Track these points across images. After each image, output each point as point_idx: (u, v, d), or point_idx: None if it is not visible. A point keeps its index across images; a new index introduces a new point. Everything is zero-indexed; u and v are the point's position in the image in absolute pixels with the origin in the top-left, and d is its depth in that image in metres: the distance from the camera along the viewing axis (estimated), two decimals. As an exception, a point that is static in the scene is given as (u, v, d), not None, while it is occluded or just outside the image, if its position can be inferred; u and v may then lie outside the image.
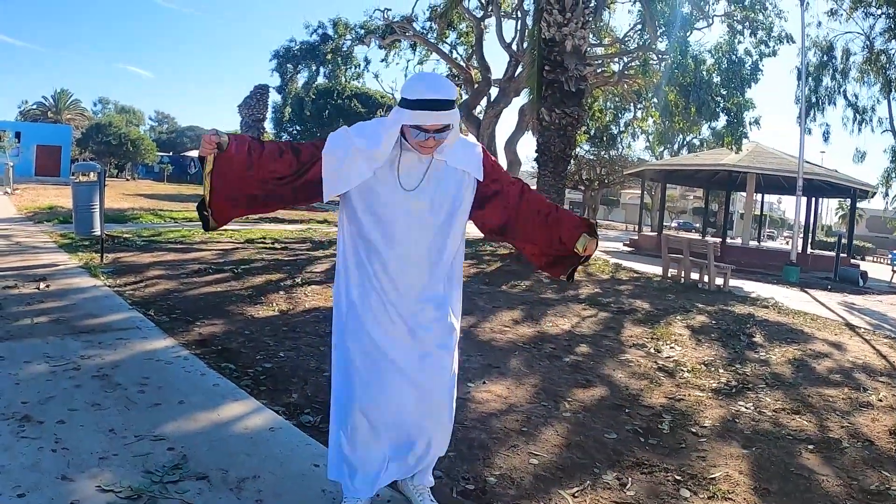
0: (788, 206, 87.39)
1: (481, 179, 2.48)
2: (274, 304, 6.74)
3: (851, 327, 9.30)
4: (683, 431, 4.00)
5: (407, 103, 2.20)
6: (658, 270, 13.80)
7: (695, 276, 12.18)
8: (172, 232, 13.96)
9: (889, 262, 42.22)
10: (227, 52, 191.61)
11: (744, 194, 32.93)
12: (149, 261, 9.41)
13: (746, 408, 4.64)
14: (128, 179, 53.65)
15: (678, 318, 8.12)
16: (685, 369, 5.54)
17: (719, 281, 11.73)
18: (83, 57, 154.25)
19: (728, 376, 5.48)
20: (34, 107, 68.71)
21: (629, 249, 23.04)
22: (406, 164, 2.37)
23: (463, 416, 3.79)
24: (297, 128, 44.04)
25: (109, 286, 7.14)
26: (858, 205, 27.83)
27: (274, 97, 29.23)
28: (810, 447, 3.96)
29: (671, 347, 6.36)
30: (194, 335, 5.26)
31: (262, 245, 12.59)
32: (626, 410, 4.29)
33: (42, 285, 6.77)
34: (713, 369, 5.66)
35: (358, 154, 2.31)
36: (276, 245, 12.74)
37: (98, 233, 9.51)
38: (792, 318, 9.29)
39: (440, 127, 2.22)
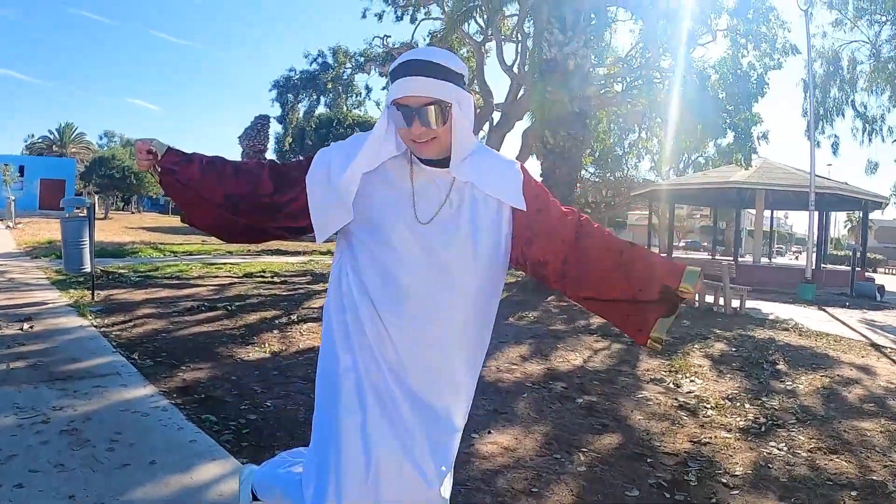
0: (796, 221, 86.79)
1: (523, 209, 1.79)
2: (266, 345, 6.36)
3: (877, 347, 8.85)
4: (713, 482, 3.58)
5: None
6: (670, 293, 13.29)
7: (709, 299, 11.73)
8: (170, 266, 13.67)
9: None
10: (231, 83, 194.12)
11: (751, 211, 32.57)
12: (141, 298, 9.10)
13: (779, 449, 4.22)
14: (133, 212, 53.76)
15: (696, 346, 7.69)
16: (708, 406, 5.11)
17: (735, 303, 11.28)
18: (90, 91, 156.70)
19: (755, 412, 5.05)
20: (40, 140, 69.43)
21: (639, 272, 22.54)
22: (421, 185, 1.76)
23: (465, 476, 3.38)
24: (300, 157, 43.80)
25: (96, 326, 6.87)
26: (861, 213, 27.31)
27: (275, 127, 29.11)
28: (853, 493, 3.54)
29: (691, 381, 5.93)
30: (177, 381, 4.89)
31: (260, 279, 12.25)
32: (648, 460, 3.86)
33: (26, 326, 6.56)
34: (738, 404, 5.23)
35: (325, 185, 1.77)
36: (275, 279, 12.40)
37: (88, 270, 9.18)
38: (814, 341, 8.86)
39: (425, 102, 1.61)
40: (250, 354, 5.94)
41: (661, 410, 4.90)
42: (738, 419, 4.83)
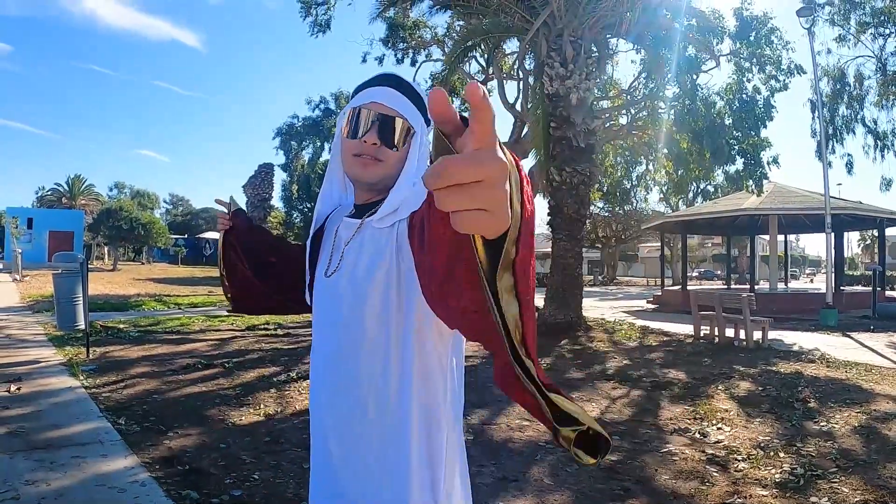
0: (808, 243, 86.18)
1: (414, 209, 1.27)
2: (261, 406, 5.98)
3: (911, 375, 8.36)
4: (754, 554, 3.15)
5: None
6: (687, 329, 12.87)
7: (729, 332, 11.26)
8: (172, 320, 13.40)
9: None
10: (236, 132, 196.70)
11: (763, 237, 32.08)
12: (137, 355, 8.81)
13: (822, 505, 3.79)
14: (143, 263, 53.83)
15: (720, 387, 7.23)
16: (739, 458, 4.68)
17: (757, 335, 10.80)
18: (99, 143, 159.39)
19: (791, 461, 4.61)
20: (49, 192, 70.33)
21: (653, 307, 22.07)
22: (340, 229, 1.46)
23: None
24: (308, 205, 43.90)
25: (87, 387, 6.62)
26: (876, 233, 26.78)
27: (281, 175, 29.10)
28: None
29: (719, 428, 5.49)
30: (162, 450, 4.54)
31: (262, 332, 11.92)
32: (679, 529, 3.44)
33: (13, 388, 6.33)
34: (772, 453, 4.79)
35: None
36: (279, 331, 12.05)
37: (82, 326, 8.90)
38: (844, 372, 8.38)
39: (390, 114, 1.37)
40: (243, 418, 5.56)
41: (688, 466, 4.47)
42: (774, 471, 4.40)
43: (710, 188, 34.67)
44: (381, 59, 23.35)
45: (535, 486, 4.03)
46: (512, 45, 19.06)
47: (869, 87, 23.77)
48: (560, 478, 4.19)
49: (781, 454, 4.78)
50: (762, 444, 5.02)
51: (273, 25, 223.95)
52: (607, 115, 20.54)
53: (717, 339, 11.30)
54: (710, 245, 71.30)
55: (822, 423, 5.69)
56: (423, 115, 1.43)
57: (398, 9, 17.94)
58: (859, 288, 26.85)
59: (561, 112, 11.76)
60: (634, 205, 43.79)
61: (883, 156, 24.48)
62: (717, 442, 5.09)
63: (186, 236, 67.39)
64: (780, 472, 4.37)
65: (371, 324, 1.31)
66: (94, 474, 3.96)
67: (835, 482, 4.19)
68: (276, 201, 35.08)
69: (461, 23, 18.93)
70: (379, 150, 1.36)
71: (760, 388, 7.21)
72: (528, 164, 22.43)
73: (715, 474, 4.32)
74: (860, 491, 4.02)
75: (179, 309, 16.80)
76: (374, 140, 1.35)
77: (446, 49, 21.62)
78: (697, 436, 5.26)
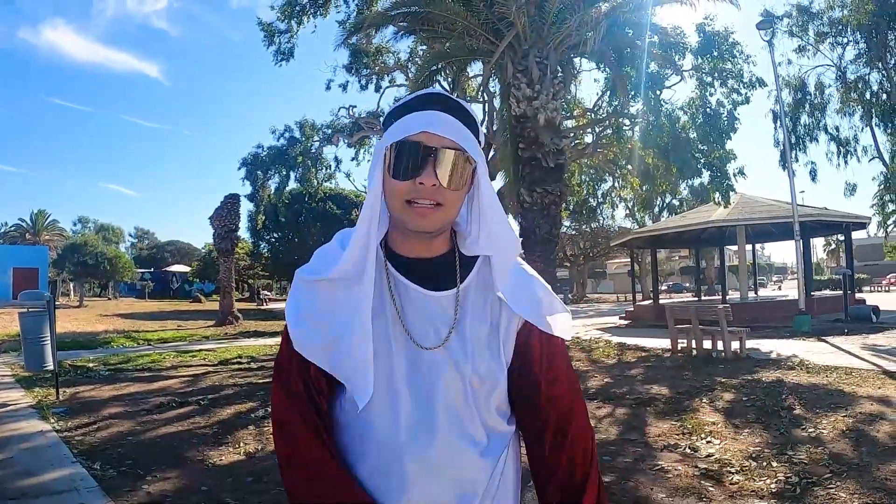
0: (773, 250, 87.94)
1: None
2: (241, 444, 5.79)
3: (890, 375, 8.44)
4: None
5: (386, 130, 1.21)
6: (664, 343, 12.91)
7: (707, 344, 11.30)
8: (143, 357, 13.08)
9: (885, 288, 42.05)
10: (203, 164, 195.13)
11: (730, 247, 32.48)
12: (109, 395, 8.57)
13: (821, 513, 3.76)
14: (109, 298, 52.77)
15: (704, 400, 7.21)
16: (733, 470, 4.63)
17: (735, 345, 10.85)
18: (63, 177, 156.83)
19: (785, 470, 4.58)
20: (13, 228, 69.09)
21: (626, 323, 22.15)
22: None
23: None
24: (275, 235, 43.42)
25: (58, 430, 6.40)
26: (840, 237, 27.34)
27: (247, 205, 28.76)
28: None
29: (708, 442, 5.45)
30: (141, 496, 4.36)
31: (236, 366, 11.67)
32: (683, 549, 3.37)
33: None
34: (765, 463, 4.75)
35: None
36: (252, 364, 11.83)
37: (50, 367, 8.61)
38: (825, 377, 8.44)
39: (448, 145, 1.14)
40: (223, 457, 5.37)
41: (682, 483, 4.40)
42: (769, 482, 4.36)
43: (676, 202, 35.16)
44: (344, 86, 23.36)
45: (532, 513, 3.93)
46: (476, 69, 19.19)
47: (830, 95, 24.45)
48: (557, 502, 4.10)
49: (774, 463, 4.75)
50: (754, 455, 4.99)
51: (236, 56, 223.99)
52: (572, 134, 20.72)
53: (695, 352, 11.32)
54: (677, 258, 72.15)
55: (809, 430, 5.70)
56: (478, 137, 1.23)
57: (361, 35, 17.93)
58: (828, 292, 27.29)
59: (529, 133, 11.78)
60: (601, 222, 44.21)
61: (846, 162, 25.16)
62: (709, 455, 5.04)
63: (153, 270, 66.32)
64: (776, 482, 4.33)
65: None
66: (72, 525, 3.78)
67: (831, 488, 4.17)
68: (243, 232, 34.67)
69: (424, 48, 19.00)
70: (439, 191, 1.14)
71: (744, 399, 7.21)
72: (497, 184, 22.53)
73: (711, 489, 4.26)
74: (857, 495, 4.02)
75: (149, 345, 16.44)
76: (432, 181, 1.13)
77: (410, 74, 21.69)
78: (688, 451, 5.21)
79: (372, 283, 1.17)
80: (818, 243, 64.64)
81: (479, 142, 1.23)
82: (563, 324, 1.29)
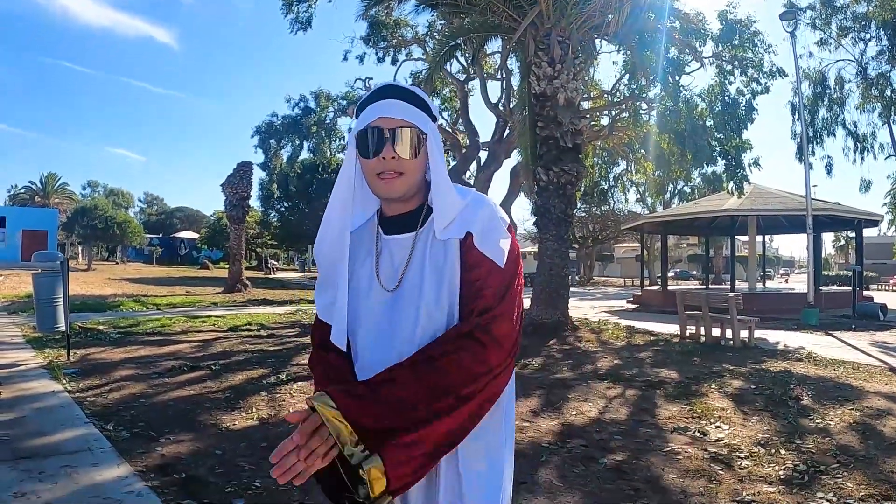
0: (781, 244, 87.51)
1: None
2: (253, 410, 5.83)
3: (898, 372, 8.44)
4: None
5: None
6: (672, 328, 12.92)
7: (715, 332, 11.31)
8: (152, 321, 13.17)
9: (893, 287, 42.01)
10: (214, 131, 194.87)
11: (740, 237, 32.34)
12: (120, 357, 8.61)
13: (829, 500, 3.78)
14: (117, 263, 53.09)
15: (713, 386, 7.22)
16: (742, 455, 4.65)
17: (743, 334, 10.85)
18: (73, 141, 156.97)
19: (792, 458, 4.59)
20: (23, 191, 69.31)
21: (634, 306, 22.16)
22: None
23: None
24: (285, 204, 43.48)
25: (70, 391, 6.43)
26: (850, 234, 27.19)
27: (259, 174, 28.79)
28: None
29: (717, 427, 5.47)
30: (155, 458, 4.39)
31: (246, 333, 11.73)
32: (694, 530, 3.39)
33: None
34: (773, 451, 4.77)
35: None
36: (262, 332, 11.88)
37: (63, 328, 8.67)
38: (832, 371, 8.45)
39: (400, 125, 1.39)
40: (236, 422, 5.42)
41: (693, 465, 4.43)
42: (777, 468, 4.38)
43: (687, 189, 35.04)
44: (361, 58, 23.26)
45: (546, 489, 3.95)
46: (495, 45, 19.06)
47: (849, 90, 24.19)
48: (568, 479, 4.13)
49: (783, 451, 4.77)
50: (762, 442, 5.01)
51: (250, 24, 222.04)
52: (588, 115, 20.60)
53: (703, 339, 11.34)
54: (685, 245, 71.96)
55: (817, 421, 5.71)
56: (427, 112, 1.46)
57: (381, 7, 17.79)
58: (836, 288, 27.22)
59: (548, 112, 11.71)
60: (611, 205, 44.09)
61: (863, 158, 24.98)
62: (718, 440, 5.06)
63: (161, 236, 66.65)
64: (784, 469, 4.35)
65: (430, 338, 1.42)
66: (87, 485, 3.78)
67: (838, 478, 4.19)
68: (254, 201, 34.72)
69: (443, 22, 18.85)
70: (398, 162, 1.41)
71: (753, 387, 7.22)
72: (511, 163, 22.43)
73: (720, 472, 4.29)
74: (864, 486, 4.03)
75: (158, 309, 16.54)
76: (391, 154, 1.40)
77: (427, 48, 21.56)
78: (697, 434, 5.23)
79: (346, 252, 1.50)
80: (827, 238, 64.42)
81: (434, 117, 1.50)
82: (499, 245, 1.45)
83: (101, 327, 11.78)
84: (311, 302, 19.91)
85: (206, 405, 5.99)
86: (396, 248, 1.49)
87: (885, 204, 31.24)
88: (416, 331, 1.40)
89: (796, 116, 23.99)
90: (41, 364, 7.89)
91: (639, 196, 42.08)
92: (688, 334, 11.86)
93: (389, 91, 1.45)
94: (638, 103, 18.54)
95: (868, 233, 28.55)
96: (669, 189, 39.43)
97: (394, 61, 23.31)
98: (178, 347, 9.70)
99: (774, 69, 15.46)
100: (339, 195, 1.49)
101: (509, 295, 1.41)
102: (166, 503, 3.57)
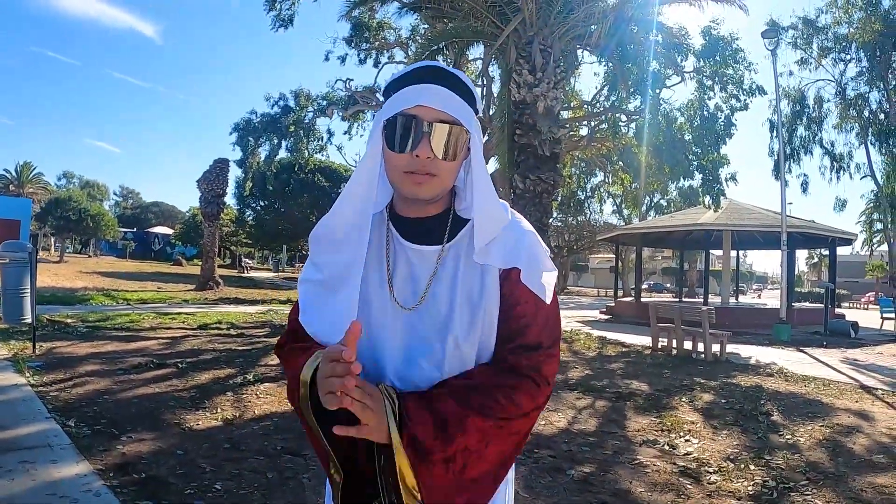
0: (756, 259, 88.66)
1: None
2: (218, 410, 5.73)
3: (868, 390, 8.52)
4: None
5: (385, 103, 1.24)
6: (644, 340, 12.97)
7: (687, 345, 11.36)
8: (122, 316, 12.96)
9: (864, 306, 42.65)
10: (193, 127, 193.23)
11: (714, 252, 32.62)
12: (86, 352, 8.46)
13: (798, 519, 3.78)
14: (89, 256, 52.29)
15: (683, 399, 7.24)
16: (710, 470, 4.64)
17: (715, 348, 10.92)
18: (50, 131, 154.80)
19: (761, 473, 4.60)
20: (-4, 179, 67.98)
21: (607, 317, 22.25)
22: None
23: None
24: (261, 203, 43.13)
25: (33, 385, 6.31)
26: (824, 251, 27.62)
27: (236, 171, 28.54)
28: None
29: (686, 440, 5.46)
30: (115, 456, 4.28)
31: (215, 331, 11.59)
32: (661, 545, 3.36)
33: None
34: (742, 465, 4.77)
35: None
36: (232, 331, 11.74)
37: (29, 320, 8.50)
38: (803, 387, 8.51)
39: (441, 118, 1.17)
40: (200, 422, 5.31)
41: (661, 479, 4.41)
42: (746, 483, 4.37)
43: (663, 202, 35.39)
44: (343, 59, 23.17)
45: (513, 499, 3.91)
46: (477, 51, 19.08)
47: (828, 109, 24.61)
48: (535, 490, 4.08)
49: (752, 466, 4.77)
50: (731, 457, 5.01)
51: (233, 20, 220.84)
52: (568, 125, 20.68)
53: (675, 351, 11.38)
54: (659, 258, 72.60)
55: (787, 436, 5.73)
56: (473, 106, 1.25)
57: (365, 9, 17.73)
58: (808, 304, 27.56)
59: (527, 120, 11.70)
60: (588, 216, 44.40)
61: (839, 177, 25.40)
62: (687, 454, 5.05)
63: (136, 230, 65.83)
64: (753, 485, 4.35)
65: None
66: (44, 482, 3.69)
67: (807, 495, 4.19)
68: (230, 198, 34.42)
69: (426, 26, 18.83)
70: (434, 163, 1.19)
71: (723, 401, 7.24)
72: (489, 169, 22.40)
73: (689, 487, 4.27)
74: (833, 503, 4.03)
75: (128, 304, 16.32)
76: (427, 153, 1.18)
77: (410, 52, 21.52)
78: (666, 447, 5.22)
79: (365, 247, 1.25)
80: (801, 255, 65.36)
81: (477, 111, 1.26)
82: (544, 280, 1.29)
83: (69, 321, 11.57)
84: (284, 302, 19.73)
85: (171, 404, 5.87)
86: (417, 259, 1.28)
87: (858, 222, 31.79)
88: (443, 363, 1.23)
89: (774, 134, 24.36)
90: (5, 356, 7.74)
91: (615, 207, 42.43)
92: (660, 346, 11.91)
93: (432, 73, 1.21)
94: (617, 115, 18.65)
95: (842, 251, 29.06)
96: (646, 202, 39.80)
97: (376, 63, 23.25)
98: (146, 344, 9.55)
99: (754, 87, 15.66)
100: (358, 192, 1.25)
101: (556, 333, 1.29)
102: (124, 503, 3.47)
